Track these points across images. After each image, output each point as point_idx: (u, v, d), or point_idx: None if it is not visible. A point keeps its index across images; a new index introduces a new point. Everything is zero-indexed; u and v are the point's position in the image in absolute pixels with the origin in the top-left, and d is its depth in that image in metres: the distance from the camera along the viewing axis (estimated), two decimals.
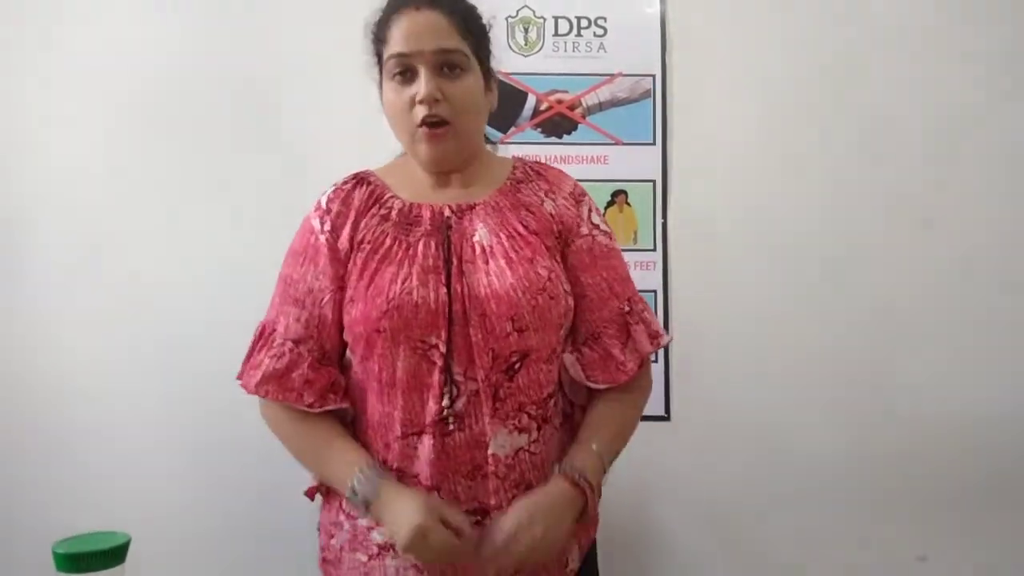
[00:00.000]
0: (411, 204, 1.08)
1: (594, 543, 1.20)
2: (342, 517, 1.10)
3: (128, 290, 1.87)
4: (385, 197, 1.10)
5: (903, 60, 1.95)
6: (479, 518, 1.03)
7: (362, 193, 1.10)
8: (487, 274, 1.03)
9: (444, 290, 1.01)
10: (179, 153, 1.89)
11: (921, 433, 1.92)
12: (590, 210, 1.16)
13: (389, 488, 1.00)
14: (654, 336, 1.13)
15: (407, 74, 1.03)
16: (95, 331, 1.86)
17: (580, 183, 1.19)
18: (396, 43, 1.03)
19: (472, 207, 1.08)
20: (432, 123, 1.03)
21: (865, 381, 1.94)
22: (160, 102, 1.89)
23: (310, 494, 1.14)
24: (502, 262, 1.03)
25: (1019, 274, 1.95)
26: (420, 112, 1.02)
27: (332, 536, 1.11)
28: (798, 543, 1.92)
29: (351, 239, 1.07)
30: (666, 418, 1.92)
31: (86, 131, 1.88)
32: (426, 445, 1.02)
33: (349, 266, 1.06)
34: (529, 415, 1.04)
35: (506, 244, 1.05)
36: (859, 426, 1.93)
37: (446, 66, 1.03)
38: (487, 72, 1.11)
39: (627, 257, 1.89)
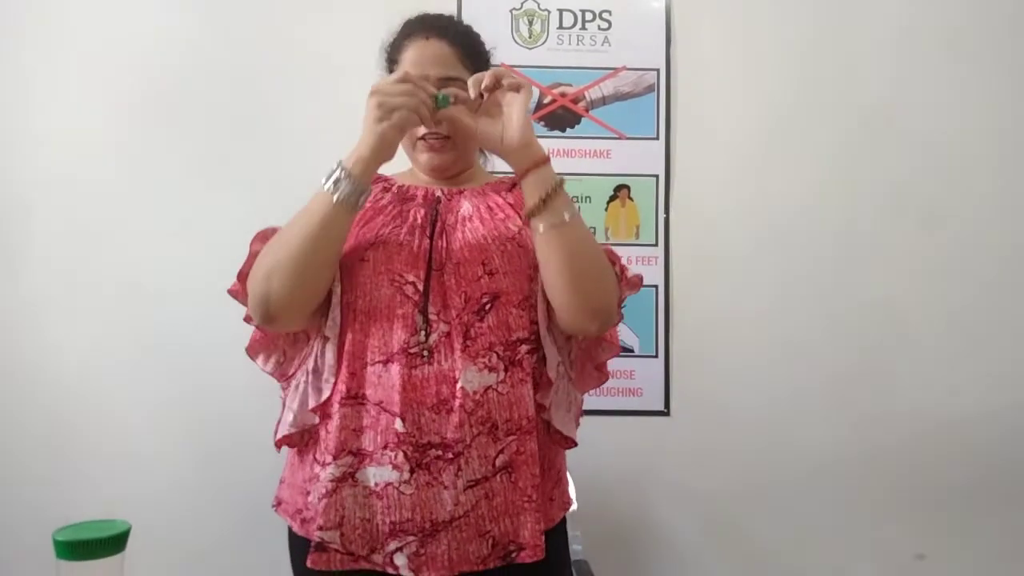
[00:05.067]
0: (409, 186, 1.21)
1: (563, 528, 1.19)
2: (318, 468, 1.09)
3: (128, 283, 1.87)
4: (389, 182, 1.23)
5: (905, 58, 1.95)
6: (439, 452, 1.05)
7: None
8: (464, 232, 1.13)
9: (427, 242, 1.11)
10: (181, 147, 1.89)
11: (920, 431, 1.93)
12: None
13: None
14: (622, 268, 1.16)
15: None
16: (95, 323, 1.86)
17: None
18: (405, 68, 1.13)
19: (460, 192, 1.20)
20: (434, 138, 1.16)
21: (864, 378, 1.94)
22: (162, 95, 1.88)
23: (278, 445, 1.14)
24: (477, 222, 1.14)
25: (1018, 272, 1.95)
26: (423, 130, 1.15)
27: (308, 493, 1.10)
28: (796, 539, 1.93)
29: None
30: (666, 413, 1.92)
31: (86, 125, 1.88)
32: (393, 373, 1.06)
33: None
34: (498, 355, 1.08)
35: (483, 211, 1.16)
36: (858, 423, 1.93)
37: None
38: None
39: (629, 252, 1.93)
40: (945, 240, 1.95)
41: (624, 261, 1.16)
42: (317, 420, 1.11)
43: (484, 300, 1.09)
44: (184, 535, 1.83)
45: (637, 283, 1.15)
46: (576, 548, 1.70)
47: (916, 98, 1.95)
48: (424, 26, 1.17)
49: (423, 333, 1.06)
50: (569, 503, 1.21)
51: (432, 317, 1.07)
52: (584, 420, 1.22)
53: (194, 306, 1.85)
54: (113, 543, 0.82)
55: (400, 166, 1.22)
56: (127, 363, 1.86)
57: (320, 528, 1.05)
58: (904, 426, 1.93)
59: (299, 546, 1.12)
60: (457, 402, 1.05)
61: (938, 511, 1.93)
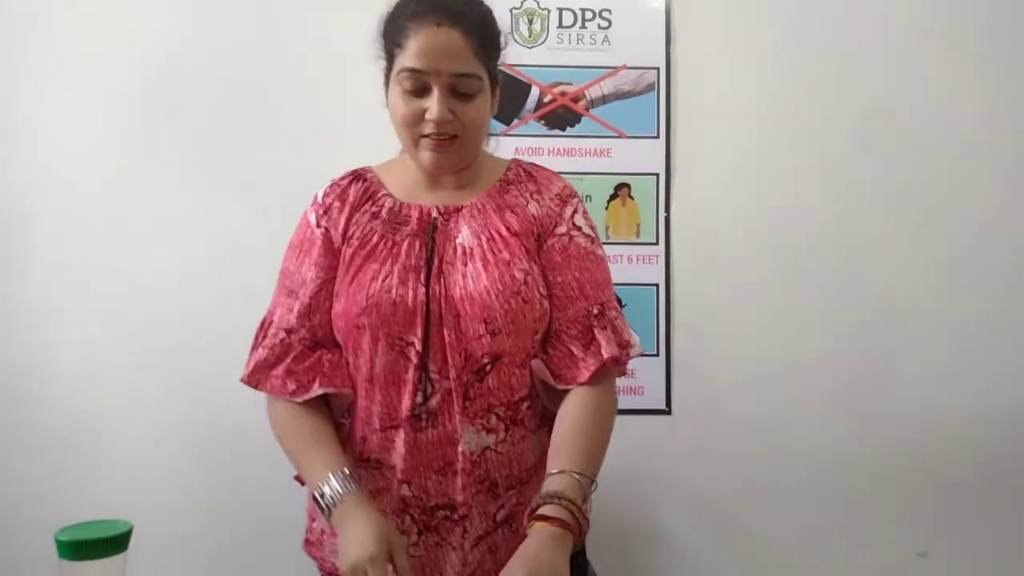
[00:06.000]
0: (401, 204, 1.11)
1: (582, 546, 1.19)
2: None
3: (128, 283, 1.87)
4: (378, 195, 1.13)
5: (907, 55, 1.95)
6: (447, 513, 1.05)
7: (357, 189, 1.14)
8: (464, 276, 1.04)
9: (423, 290, 1.03)
10: (181, 146, 1.88)
11: (922, 429, 1.92)
12: (575, 211, 1.13)
13: (352, 504, 0.98)
14: (623, 345, 1.08)
15: (420, 92, 1.03)
16: (96, 323, 1.86)
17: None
18: (411, 57, 1.01)
19: (459, 209, 1.10)
20: (440, 137, 1.05)
21: (866, 376, 1.93)
22: (162, 93, 1.88)
23: (300, 478, 1.16)
24: (479, 264, 1.05)
25: (1021, 270, 1.95)
26: (428, 128, 1.04)
27: (314, 520, 1.14)
28: (798, 538, 1.92)
29: (343, 233, 1.10)
30: (667, 412, 1.92)
31: (86, 123, 1.87)
32: (400, 439, 1.05)
33: (340, 258, 1.10)
34: (497, 416, 1.05)
35: (485, 246, 1.06)
36: (860, 421, 1.93)
37: (460, 88, 1.03)
38: (494, 79, 1.10)
39: (629, 251, 1.93)
40: (947, 238, 1.94)
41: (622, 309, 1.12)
42: None
43: (485, 361, 1.04)
44: (187, 534, 1.83)
45: (630, 347, 1.10)
46: None
47: (918, 97, 1.95)
48: (435, 7, 1.01)
49: (421, 395, 1.03)
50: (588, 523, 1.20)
51: (433, 375, 1.03)
52: None
53: (196, 306, 1.85)
54: (115, 543, 0.82)
55: (388, 146, 1.17)
56: (129, 363, 1.86)
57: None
58: (906, 424, 1.93)
59: None
60: (460, 465, 1.04)
61: (940, 509, 1.93)
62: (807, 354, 1.93)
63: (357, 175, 1.16)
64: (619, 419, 2.01)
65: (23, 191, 1.87)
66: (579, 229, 1.12)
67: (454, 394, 1.03)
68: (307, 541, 1.16)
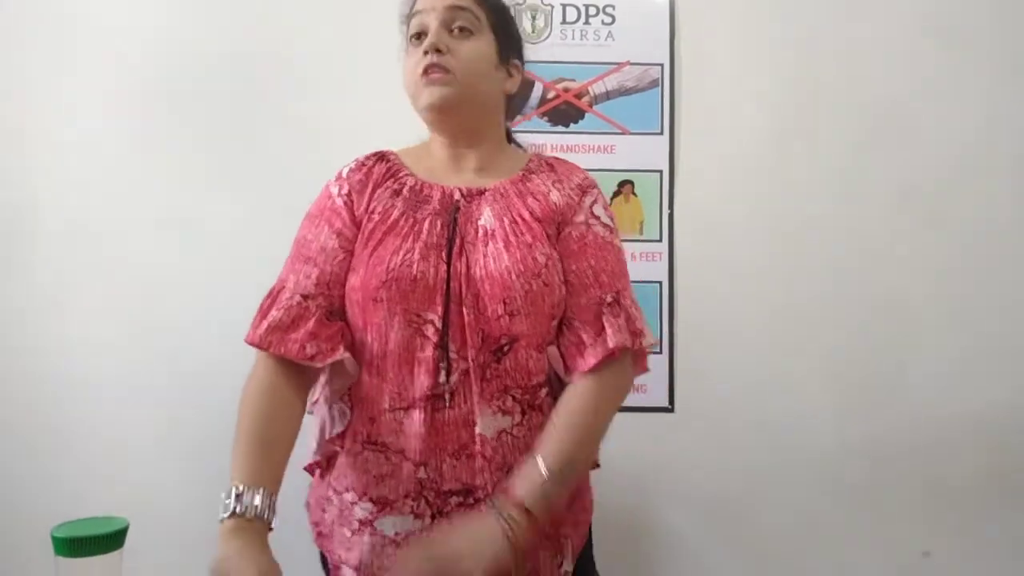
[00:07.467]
0: (423, 183, 1.11)
1: (589, 540, 1.19)
2: (331, 493, 1.11)
3: (128, 282, 1.87)
4: (401, 174, 1.12)
5: (913, 52, 1.94)
6: (462, 498, 1.03)
7: (380, 168, 1.14)
8: (484, 255, 1.04)
9: (444, 267, 1.03)
10: (182, 144, 1.87)
11: (926, 428, 1.91)
12: (594, 201, 1.14)
13: (257, 529, 0.94)
14: (636, 333, 1.07)
15: (421, 36, 1.08)
16: (96, 321, 1.86)
17: (592, 176, 1.19)
18: (415, 5, 1.10)
19: (482, 192, 1.10)
20: (434, 70, 1.07)
21: (870, 375, 1.93)
22: (162, 92, 1.87)
23: (309, 469, 1.15)
24: (500, 245, 1.04)
25: None
26: (424, 62, 1.06)
27: (324, 511, 1.12)
28: (801, 537, 1.91)
29: (366, 207, 1.09)
30: (670, 410, 1.91)
31: (86, 123, 1.87)
32: (415, 420, 1.02)
33: (360, 232, 1.09)
34: (514, 398, 1.04)
35: (508, 228, 1.06)
36: (863, 420, 1.92)
37: (456, 25, 1.08)
38: (504, 52, 1.14)
39: (632, 248, 1.91)
40: (953, 237, 1.93)
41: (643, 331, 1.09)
42: (339, 448, 1.09)
43: (503, 342, 1.03)
44: (182, 532, 1.82)
45: (642, 336, 1.09)
46: None
47: (924, 93, 1.93)
48: None
49: (444, 373, 1.01)
50: (591, 506, 1.19)
51: (452, 355, 1.02)
52: None
53: (195, 304, 1.85)
54: (111, 540, 0.82)
55: (391, 142, 1.17)
56: (127, 361, 1.86)
57: (343, 561, 1.07)
58: (910, 422, 1.92)
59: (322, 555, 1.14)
60: (477, 447, 1.02)
61: (944, 509, 1.92)
62: (811, 352, 1.92)
63: (380, 156, 1.16)
64: (622, 416, 2.00)
65: (23, 191, 1.87)
66: (598, 219, 1.12)
67: (472, 375, 1.02)
68: (320, 534, 1.14)
